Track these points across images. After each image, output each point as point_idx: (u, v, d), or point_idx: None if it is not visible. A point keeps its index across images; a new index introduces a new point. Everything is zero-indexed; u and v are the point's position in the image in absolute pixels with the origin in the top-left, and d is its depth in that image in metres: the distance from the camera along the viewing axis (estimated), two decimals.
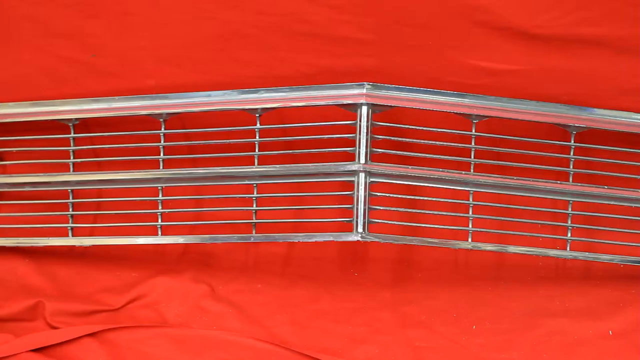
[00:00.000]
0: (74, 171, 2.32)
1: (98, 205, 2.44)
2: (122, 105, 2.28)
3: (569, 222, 2.21)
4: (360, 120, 2.15)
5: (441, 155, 2.19)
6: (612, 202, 2.20)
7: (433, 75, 2.25)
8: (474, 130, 2.19)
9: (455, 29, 2.19)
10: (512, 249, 2.21)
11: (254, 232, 2.22)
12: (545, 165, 2.21)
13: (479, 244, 2.19)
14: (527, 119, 2.17)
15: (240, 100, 2.23)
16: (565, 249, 2.21)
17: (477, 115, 2.18)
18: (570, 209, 2.21)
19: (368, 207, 2.15)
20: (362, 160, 2.14)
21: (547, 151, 2.21)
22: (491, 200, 2.23)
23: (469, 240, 2.19)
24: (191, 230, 2.37)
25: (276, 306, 2.24)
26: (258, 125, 2.22)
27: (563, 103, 2.20)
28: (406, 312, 2.21)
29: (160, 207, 2.28)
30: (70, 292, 2.27)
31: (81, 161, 2.34)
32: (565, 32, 2.16)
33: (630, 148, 2.21)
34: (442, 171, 2.17)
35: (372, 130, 2.15)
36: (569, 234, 2.21)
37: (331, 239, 2.18)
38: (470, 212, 2.19)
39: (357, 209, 2.15)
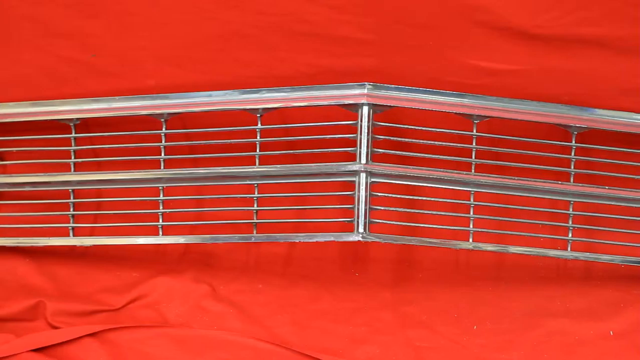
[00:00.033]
0: (74, 171, 2.32)
1: (99, 205, 2.44)
2: (122, 105, 2.28)
3: (570, 222, 2.21)
4: (361, 121, 2.15)
5: (442, 155, 2.20)
6: (612, 203, 2.20)
7: (433, 75, 2.25)
8: (474, 131, 2.19)
9: (456, 29, 2.19)
10: (513, 249, 2.21)
11: (254, 232, 2.22)
12: (546, 165, 2.22)
13: (479, 244, 2.19)
14: (528, 119, 2.18)
15: (242, 100, 2.23)
16: (566, 250, 2.22)
17: (477, 116, 2.18)
18: (571, 209, 2.21)
19: (369, 207, 2.15)
20: (363, 161, 2.14)
21: (547, 151, 2.21)
22: (492, 200, 2.23)
23: (470, 240, 2.19)
24: (192, 230, 2.37)
25: (277, 306, 2.24)
26: (259, 125, 2.22)
27: (563, 103, 2.20)
28: (407, 312, 2.21)
29: (161, 207, 2.28)
30: (70, 292, 2.27)
31: (82, 161, 2.34)
32: (566, 32, 2.16)
33: (631, 148, 2.21)
34: (443, 171, 2.17)
35: (373, 130, 2.15)
36: (570, 234, 2.22)
37: (332, 239, 2.18)
38: (471, 213, 2.19)
39: (358, 209, 2.15)
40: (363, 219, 2.14)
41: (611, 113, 2.19)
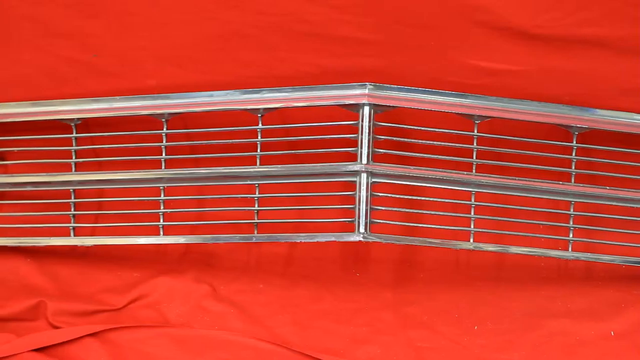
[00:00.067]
0: (75, 171, 2.32)
1: (100, 205, 2.44)
2: (123, 105, 2.28)
3: (571, 222, 2.22)
4: (362, 121, 2.15)
5: (443, 155, 2.20)
6: (614, 203, 2.20)
7: (434, 76, 2.26)
8: (475, 131, 2.19)
9: (456, 29, 2.19)
10: (514, 249, 2.21)
11: (255, 232, 2.22)
12: (547, 165, 2.21)
13: (480, 245, 2.19)
14: (529, 119, 2.18)
15: (243, 100, 2.23)
16: (567, 250, 2.22)
17: (478, 116, 2.18)
18: (572, 210, 2.21)
19: (370, 208, 2.15)
20: (364, 161, 2.14)
21: (548, 152, 2.21)
22: (492, 200, 2.24)
23: (471, 240, 2.19)
24: (193, 230, 2.37)
25: (278, 306, 2.24)
26: (260, 126, 2.22)
27: (564, 103, 2.20)
28: (408, 313, 2.21)
29: (162, 207, 2.28)
30: (71, 292, 2.27)
31: (83, 161, 2.34)
32: (566, 33, 2.16)
33: (632, 149, 2.21)
34: (444, 172, 2.17)
35: (374, 130, 2.15)
36: (571, 235, 2.22)
37: (333, 239, 2.18)
38: (472, 213, 2.19)
39: (359, 209, 2.15)
40: (364, 219, 2.14)
41: (612, 113, 2.19)
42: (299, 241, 2.29)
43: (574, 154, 2.20)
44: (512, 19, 2.15)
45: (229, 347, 2.10)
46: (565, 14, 2.14)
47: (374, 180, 2.15)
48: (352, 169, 2.15)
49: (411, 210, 2.25)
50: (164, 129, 2.27)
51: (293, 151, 2.29)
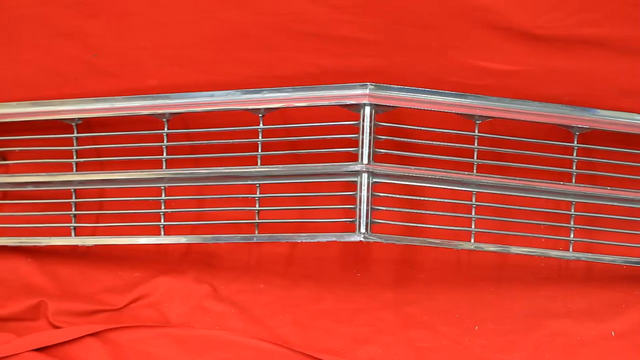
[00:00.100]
0: (76, 171, 2.32)
1: (100, 205, 2.44)
2: (125, 105, 2.28)
3: (572, 223, 2.22)
4: (363, 121, 2.15)
5: (444, 155, 2.20)
6: (614, 203, 2.20)
7: (435, 76, 2.26)
8: (476, 131, 2.19)
9: (457, 30, 2.19)
10: (515, 249, 2.21)
11: (256, 232, 2.22)
12: (548, 166, 2.21)
13: (481, 245, 2.19)
14: (530, 119, 2.18)
15: (244, 100, 2.23)
16: (568, 250, 2.22)
17: (479, 116, 2.18)
18: (572, 210, 2.21)
19: (371, 208, 2.15)
20: (365, 161, 2.14)
21: (549, 152, 2.21)
22: (493, 200, 2.23)
23: (472, 241, 2.19)
24: (194, 230, 2.37)
25: (278, 306, 2.24)
26: (261, 126, 2.22)
27: (565, 104, 2.20)
28: (408, 313, 2.21)
29: (162, 207, 2.28)
30: (72, 292, 2.27)
31: (84, 161, 2.34)
32: (567, 33, 2.16)
33: (633, 149, 2.21)
34: (444, 172, 2.17)
35: (375, 130, 2.15)
36: (572, 235, 2.22)
37: (334, 239, 2.18)
38: (473, 213, 2.19)
39: (359, 209, 2.15)
40: (365, 219, 2.14)
41: (613, 114, 2.19)
42: (299, 241, 2.29)
43: (574, 154, 2.20)
44: (513, 19, 2.15)
45: (230, 347, 2.10)
46: (566, 15, 2.14)
47: (374, 180, 2.16)
48: (353, 169, 2.15)
49: (412, 211, 2.25)
50: (165, 129, 2.27)
51: (294, 151, 2.29)
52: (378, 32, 2.22)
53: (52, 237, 2.33)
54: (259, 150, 2.22)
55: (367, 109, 2.15)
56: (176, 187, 2.28)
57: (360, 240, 2.15)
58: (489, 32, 2.18)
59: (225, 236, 2.24)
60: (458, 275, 2.34)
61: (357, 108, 2.16)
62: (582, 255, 2.21)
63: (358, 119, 2.16)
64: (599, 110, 2.19)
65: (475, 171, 2.19)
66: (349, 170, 2.16)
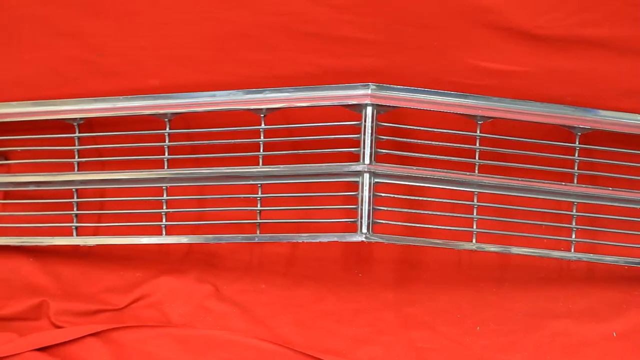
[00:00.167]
0: (78, 171, 2.32)
1: (102, 205, 2.44)
2: (126, 105, 2.28)
3: (574, 223, 2.21)
4: (365, 121, 2.15)
5: (445, 156, 2.19)
6: (616, 204, 2.20)
7: (436, 76, 2.25)
8: (478, 131, 2.19)
9: (458, 30, 2.19)
10: (516, 250, 2.21)
11: (258, 232, 2.22)
12: (549, 166, 2.21)
13: (482, 245, 2.19)
14: (532, 120, 2.18)
15: (245, 100, 2.23)
16: (569, 251, 2.22)
17: (481, 116, 2.18)
18: (574, 211, 2.21)
19: (372, 208, 2.15)
20: (367, 161, 2.14)
21: (551, 152, 2.21)
22: (495, 201, 2.23)
23: (473, 241, 2.19)
24: (195, 230, 2.37)
25: (280, 306, 2.24)
26: (263, 126, 2.22)
27: (567, 104, 2.20)
28: (409, 313, 2.22)
29: (164, 207, 2.28)
30: (74, 292, 2.27)
31: (85, 160, 2.33)
32: (568, 33, 2.16)
33: (635, 149, 2.21)
34: (446, 172, 2.17)
35: (377, 130, 2.16)
36: (573, 236, 2.22)
37: (335, 239, 2.18)
38: (474, 213, 2.19)
39: (361, 209, 2.15)
40: (366, 219, 2.14)
41: (615, 114, 2.19)
42: (301, 241, 2.29)
43: (576, 154, 2.20)
44: (513, 19, 2.15)
45: (231, 347, 2.10)
46: (566, 15, 2.14)
47: (376, 180, 2.16)
48: (355, 169, 2.15)
49: (413, 211, 2.25)
50: (167, 129, 2.27)
51: (295, 151, 2.28)
52: (378, 32, 2.22)
53: (53, 237, 2.33)
54: (261, 150, 2.22)
55: (369, 109, 2.15)
56: (178, 187, 2.27)
57: (362, 241, 2.14)
58: (490, 32, 2.18)
59: (226, 236, 2.24)
60: (459, 276, 2.34)
61: (358, 108, 2.16)
62: (584, 256, 2.21)
63: (360, 119, 2.16)
64: (600, 111, 2.19)
65: (476, 171, 2.19)
66: (350, 170, 2.16)
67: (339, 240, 2.17)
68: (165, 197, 2.28)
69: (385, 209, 2.16)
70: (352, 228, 2.16)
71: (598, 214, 2.24)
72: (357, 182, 2.16)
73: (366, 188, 2.15)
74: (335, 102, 2.18)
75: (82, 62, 2.34)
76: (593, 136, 2.22)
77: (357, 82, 2.18)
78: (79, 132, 2.32)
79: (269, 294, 2.28)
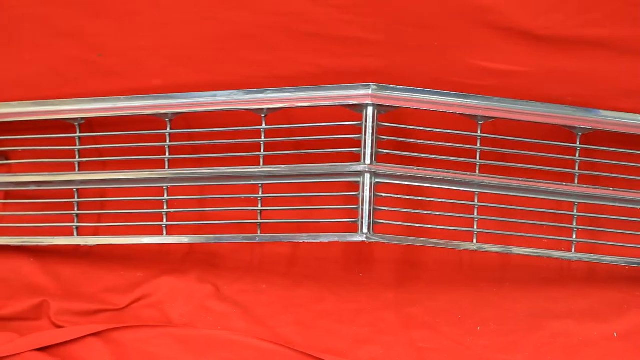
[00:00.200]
0: (79, 170, 2.32)
1: (103, 205, 2.43)
2: (127, 105, 2.28)
3: (574, 223, 2.21)
4: (365, 121, 2.15)
5: (446, 156, 2.19)
6: (617, 204, 2.20)
7: (436, 76, 2.25)
8: (479, 132, 2.19)
9: (459, 30, 2.19)
10: (517, 250, 2.21)
11: (259, 232, 2.22)
12: (550, 166, 2.21)
13: (483, 245, 2.19)
14: (533, 120, 2.18)
15: (246, 100, 2.23)
16: (570, 251, 2.22)
17: (482, 117, 2.18)
18: (575, 211, 2.21)
19: (373, 208, 2.15)
20: (368, 161, 2.14)
21: (551, 153, 2.21)
22: (496, 201, 2.23)
23: (474, 241, 2.19)
24: (196, 230, 2.36)
25: (281, 306, 2.24)
26: (264, 126, 2.22)
27: (567, 104, 2.20)
28: (410, 313, 2.22)
29: (165, 207, 2.28)
30: (74, 292, 2.27)
31: (86, 160, 2.33)
32: (569, 34, 2.16)
33: (636, 150, 2.21)
34: (447, 172, 2.17)
35: (378, 131, 2.15)
36: (574, 236, 2.21)
37: (336, 239, 2.18)
38: (475, 213, 2.19)
39: (362, 209, 2.15)
40: (367, 219, 2.14)
41: (616, 114, 2.19)
42: (302, 241, 2.29)
43: (577, 155, 2.20)
44: (514, 19, 2.15)
45: (232, 347, 2.10)
46: (567, 15, 2.14)
47: (377, 180, 2.16)
48: (356, 170, 2.15)
49: (414, 211, 2.25)
50: (168, 129, 2.27)
51: (296, 151, 2.28)
52: (378, 32, 2.22)
53: (54, 237, 2.33)
54: (262, 150, 2.22)
55: (370, 110, 2.15)
56: (178, 187, 2.27)
57: (363, 241, 2.14)
58: (490, 32, 2.17)
59: (227, 236, 2.23)
60: (460, 276, 2.34)
61: (359, 108, 2.16)
62: (585, 256, 2.21)
63: (360, 119, 2.16)
64: (601, 111, 2.19)
65: (477, 172, 2.18)
66: (351, 170, 2.16)
67: (340, 240, 2.17)
68: (166, 197, 2.28)
69: (386, 209, 2.16)
70: (353, 228, 2.16)
71: (599, 214, 2.24)
72: (358, 182, 2.16)
73: (367, 188, 2.15)
74: (336, 102, 2.18)
75: (82, 62, 2.34)
76: (594, 136, 2.21)
77: (358, 82, 2.18)
78: (80, 132, 2.32)
79: (270, 294, 2.28)
